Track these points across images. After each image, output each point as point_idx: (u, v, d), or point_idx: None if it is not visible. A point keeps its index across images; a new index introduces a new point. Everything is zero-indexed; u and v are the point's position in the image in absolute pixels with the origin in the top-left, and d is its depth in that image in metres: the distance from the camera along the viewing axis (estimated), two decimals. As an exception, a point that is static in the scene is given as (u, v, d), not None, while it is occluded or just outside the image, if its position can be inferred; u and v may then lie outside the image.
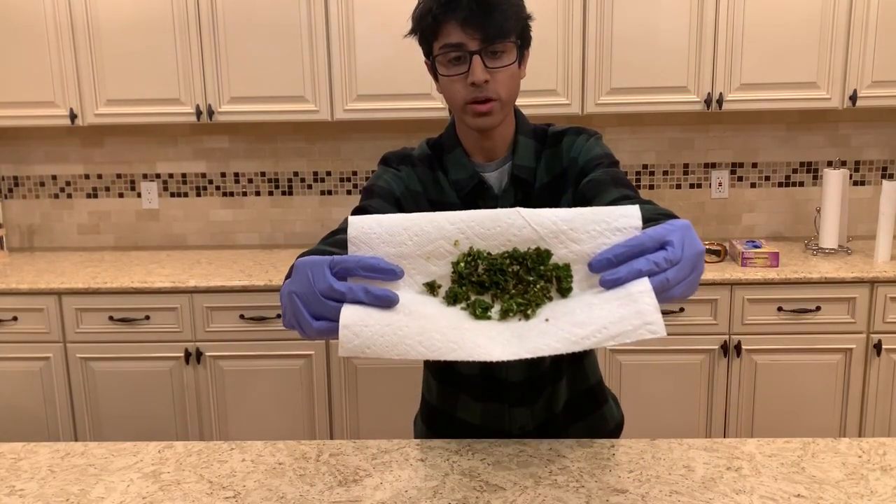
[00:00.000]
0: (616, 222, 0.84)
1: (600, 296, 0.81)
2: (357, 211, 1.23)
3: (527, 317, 0.84)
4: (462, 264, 0.86)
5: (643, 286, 0.78)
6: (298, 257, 0.90)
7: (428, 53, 1.26)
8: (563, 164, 1.32)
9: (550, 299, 0.85)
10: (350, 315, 0.78)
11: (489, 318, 0.84)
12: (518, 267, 0.86)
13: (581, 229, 0.85)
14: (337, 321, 0.79)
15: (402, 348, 0.77)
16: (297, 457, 1.35)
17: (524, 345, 0.79)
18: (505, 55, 1.20)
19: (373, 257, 0.84)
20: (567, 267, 0.85)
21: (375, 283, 0.84)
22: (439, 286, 0.87)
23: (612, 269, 0.82)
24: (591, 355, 1.48)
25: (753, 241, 2.86)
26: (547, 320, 0.82)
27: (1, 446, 1.42)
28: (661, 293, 0.80)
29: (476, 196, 1.32)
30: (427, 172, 1.34)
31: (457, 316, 0.83)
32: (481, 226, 0.86)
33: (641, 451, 1.34)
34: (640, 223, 0.83)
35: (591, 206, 1.14)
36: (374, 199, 1.27)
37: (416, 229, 0.85)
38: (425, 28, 1.22)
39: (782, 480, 1.23)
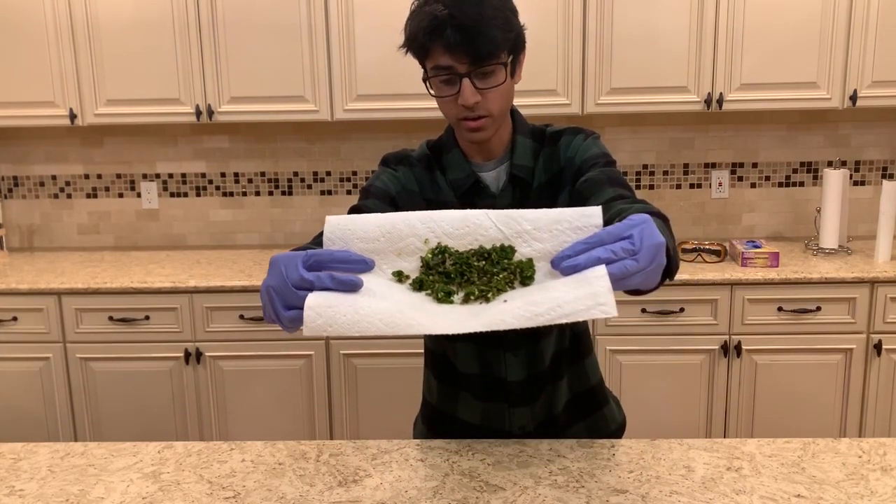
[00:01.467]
0: (577, 221, 0.88)
1: (557, 280, 0.84)
2: (352, 210, 1.25)
3: (487, 300, 0.87)
4: (429, 255, 0.91)
5: (599, 271, 0.81)
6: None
7: (422, 66, 1.27)
8: (560, 164, 1.33)
9: (512, 288, 0.88)
10: (315, 298, 0.82)
11: (451, 302, 0.88)
12: (483, 262, 0.91)
13: (544, 228, 0.89)
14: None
15: (364, 325, 0.80)
16: (297, 457, 1.35)
17: (480, 320, 0.82)
18: (494, 75, 1.20)
19: (344, 250, 0.89)
20: (530, 262, 0.89)
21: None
22: (407, 276, 0.91)
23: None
24: (591, 356, 1.49)
25: (753, 241, 2.86)
26: (505, 301, 0.85)
27: (1, 446, 1.42)
28: (621, 280, 0.84)
29: (473, 195, 1.33)
30: (424, 173, 1.35)
31: (420, 299, 0.87)
32: (451, 226, 0.91)
33: (641, 451, 1.34)
34: (600, 222, 0.87)
35: (587, 204, 1.15)
36: (370, 199, 1.28)
37: (389, 227, 0.90)
38: (415, 49, 1.23)
39: (782, 480, 1.23)
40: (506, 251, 0.90)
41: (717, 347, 2.68)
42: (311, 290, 0.85)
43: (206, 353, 2.74)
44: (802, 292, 2.63)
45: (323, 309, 0.80)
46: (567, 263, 0.84)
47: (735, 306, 2.65)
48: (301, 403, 2.77)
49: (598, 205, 1.12)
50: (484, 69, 1.18)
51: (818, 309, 2.63)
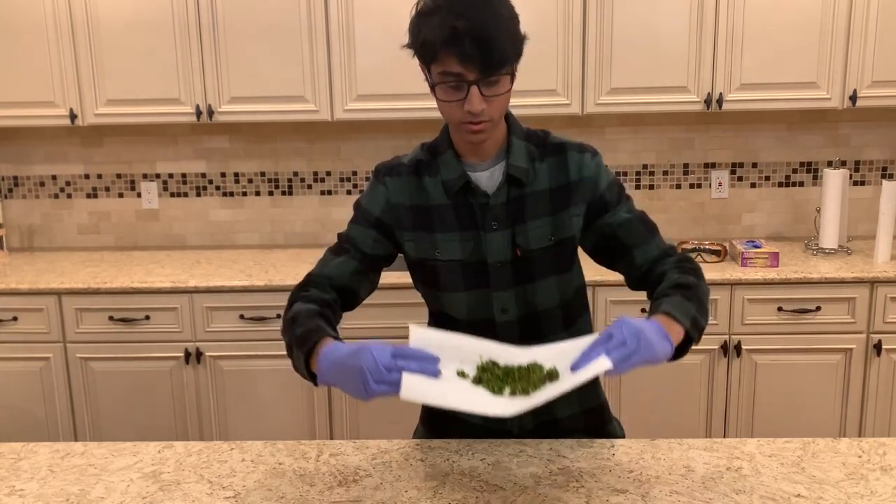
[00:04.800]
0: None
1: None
2: (342, 239, 1.41)
3: (527, 394, 1.11)
4: (482, 364, 1.18)
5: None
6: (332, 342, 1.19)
7: (426, 69, 1.29)
8: (569, 177, 1.36)
9: (545, 385, 1.12)
10: (410, 375, 1.08)
11: (502, 395, 1.12)
12: (522, 372, 1.16)
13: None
14: (393, 386, 1.08)
15: (443, 401, 1.06)
16: (297, 457, 1.36)
17: (527, 402, 1.07)
18: (500, 83, 1.23)
19: (421, 349, 1.13)
20: (555, 369, 1.15)
21: None
22: (467, 375, 1.16)
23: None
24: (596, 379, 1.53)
25: (753, 241, 2.86)
26: (541, 389, 1.11)
27: (1, 446, 1.42)
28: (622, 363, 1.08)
29: (467, 194, 1.36)
30: (412, 180, 1.39)
31: (480, 391, 1.13)
32: (499, 357, 1.19)
33: (641, 451, 1.34)
34: (611, 366, 1.08)
35: (629, 252, 1.37)
36: (356, 228, 1.40)
37: (457, 348, 1.19)
38: (426, 55, 1.24)
39: (782, 480, 1.23)
40: (538, 366, 1.16)
41: (717, 347, 2.68)
42: (397, 370, 1.07)
43: (206, 353, 2.74)
44: (802, 292, 2.63)
45: (416, 383, 1.06)
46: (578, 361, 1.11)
47: (735, 306, 2.65)
48: (301, 403, 2.77)
49: (644, 259, 1.36)
50: (491, 78, 1.21)
51: (818, 309, 2.63)
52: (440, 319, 1.45)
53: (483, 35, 1.16)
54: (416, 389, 1.05)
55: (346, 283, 1.37)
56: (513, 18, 1.23)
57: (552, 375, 1.13)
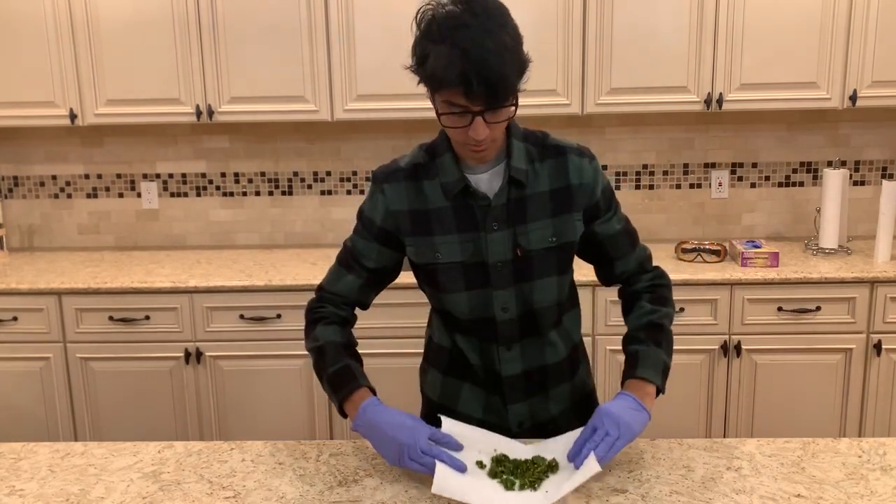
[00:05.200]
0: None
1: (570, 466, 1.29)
2: (348, 253, 1.44)
3: (534, 488, 1.25)
4: (496, 457, 1.32)
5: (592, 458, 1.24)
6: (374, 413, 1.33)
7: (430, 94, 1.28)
8: (568, 181, 1.37)
9: (547, 477, 1.28)
10: (442, 470, 1.22)
11: (513, 489, 1.25)
12: (528, 464, 1.31)
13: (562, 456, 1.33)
14: (425, 466, 1.22)
15: (465, 497, 1.20)
16: (297, 457, 1.36)
17: (532, 501, 1.22)
18: (504, 111, 1.23)
19: (449, 436, 1.29)
20: (554, 460, 1.31)
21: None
22: (485, 465, 1.30)
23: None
24: (584, 361, 1.55)
25: (753, 241, 2.86)
26: (546, 491, 1.24)
27: (1, 446, 1.42)
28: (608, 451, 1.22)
29: (466, 196, 1.36)
30: (410, 185, 1.39)
31: (494, 486, 1.26)
32: (508, 451, 1.34)
33: (641, 451, 1.34)
34: (598, 469, 1.21)
35: (611, 262, 1.46)
36: (361, 242, 1.42)
37: (475, 442, 1.33)
38: (429, 85, 1.23)
39: (782, 480, 1.23)
40: (541, 458, 1.31)
41: (717, 347, 2.68)
42: (431, 456, 1.22)
43: (206, 353, 2.74)
44: (802, 292, 2.63)
45: (446, 481, 1.21)
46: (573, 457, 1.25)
47: (735, 306, 2.65)
48: (301, 403, 2.77)
49: (623, 269, 1.46)
50: (496, 109, 1.21)
51: (818, 309, 2.63)
52: (443, 318, 1.46)
53: (490, 73, 1.15)
54: (445, 486, 1.20)
55: (357, 298, 1.46)
56: (517, 46, 1.21)
57: (552, 467, 1.29)
